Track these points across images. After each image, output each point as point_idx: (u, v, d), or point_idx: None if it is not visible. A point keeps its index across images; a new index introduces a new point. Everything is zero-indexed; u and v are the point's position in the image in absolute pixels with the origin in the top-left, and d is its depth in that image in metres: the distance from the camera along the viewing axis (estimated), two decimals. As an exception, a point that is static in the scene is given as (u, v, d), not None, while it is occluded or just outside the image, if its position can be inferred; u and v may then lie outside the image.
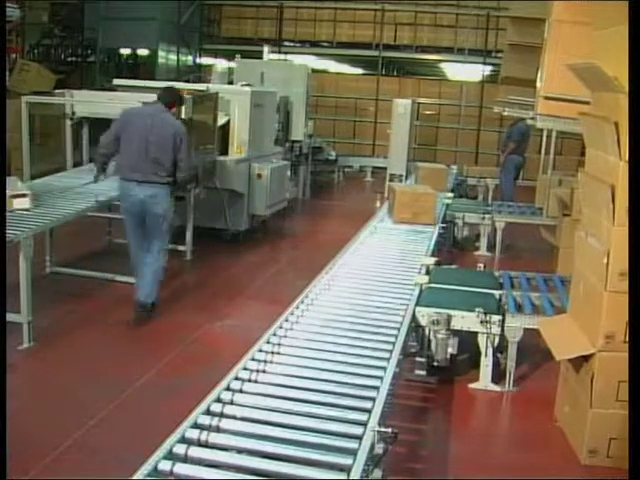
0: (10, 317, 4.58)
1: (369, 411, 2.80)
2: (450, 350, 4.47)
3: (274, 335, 3.64)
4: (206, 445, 2.56)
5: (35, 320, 4.92)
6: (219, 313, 5.95)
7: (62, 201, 5.87)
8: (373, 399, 2.92)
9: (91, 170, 7.10)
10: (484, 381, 4.63)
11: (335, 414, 2.81)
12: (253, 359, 3.31)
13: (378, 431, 2.58)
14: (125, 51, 18.57)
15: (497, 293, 4.95)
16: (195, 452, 2.49)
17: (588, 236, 3.95)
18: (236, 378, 3.09)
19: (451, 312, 4.47)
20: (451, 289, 4.94)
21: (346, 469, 2.41)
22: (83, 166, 7.40)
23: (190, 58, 19.47)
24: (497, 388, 4.64)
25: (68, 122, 7.19)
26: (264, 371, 3.19)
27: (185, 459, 2.46)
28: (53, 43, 17.14)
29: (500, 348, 4.65)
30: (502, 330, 4.51)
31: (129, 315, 5.46)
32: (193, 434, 2.59)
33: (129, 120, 5.50)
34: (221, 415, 2.75)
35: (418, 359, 4.64)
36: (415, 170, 10.74)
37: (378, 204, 11.63)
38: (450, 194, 9.39)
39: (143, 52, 18.36)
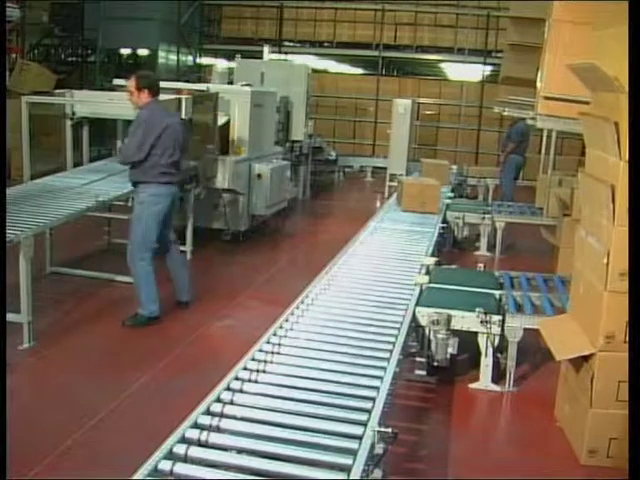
0: (10, 317, 4.58)
1: (369, 411, 2.80)
2: (450, 350, 4.46)
3: (274, 335, 3.64)
4: (206, 445, 2.56)
5: (35, 320, 4.92)
6: (219, 313, 5.94)
7: (62, 201, 5.87)
8: (373, 399, 2.92)
9: (91, 170, 7.13)
10: (484, 381, 4.63)
11: (335, 414, 2.80)
12: (253, 359, 3.31)
13: (378, 431, 2.58)
14: (125, 51, 18.55)
15: (497, 293, 4.96)
16: (195, 452, 2.49)
17: (588, 236, 3.95)
18: (236, 378, 3.09)
19: (451, 312, 4.47)
20: (451, 289, 4.95)
21: (346, 469, 2.41)
22: (83, 166, 7.40)
23: (190, 58, 19.46)
24: (497, 388, 4.64)
25: (68, 122, 7.18)
26: (264, 371, 3.19)
27: (185, 459, 2.46)
28: (53, 43, 17.14)
29: (500, 348, 4.65)
30: (502, 330, 4.51)
31: (129, 315, 5.47)
32: (193, 434, 2.59)
33: (160, 126, 5.36)
34: (221, 415, 2.75)
35: (418, 359, 4.64)
36: (420, 165, 11.26)
37: (378, 204, 11.63)
38: (451, 194, 9.44)
39: (143, 52, 18.34)
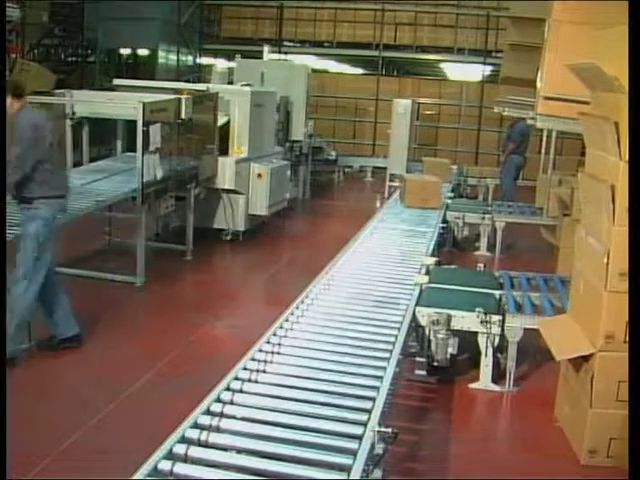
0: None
1: (369, 411, 2.81)
2: (450, 350, 4.47)
3: (274, 335, 3.64)
4: (206, 445, 2.56)
5: (35, 320, 4.91)
6: (219, 313, 5.94)
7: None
8: (373, 399, 2.92)
9: (90, 171, 7.13)
10: (484, 381, 4.63)
11: (335, 414, 2.81)
12: (253, 359, 3.31)
13: (378, 431, 2.58)
14: (125, 51, 18.55)
15: (497, 293, 4.95)
16: (195, 452, 2.49)
17: (588, 236, 3.95)
18: (236, 378, 3.09)
19: (451, 312, 4.47)
20: (451, 289, 4.94)
21: (346, 469, 2.41)
22: (83, 166, 7.40)
23: (190, 58, 19.46)
24: (497, 388, 4.64)
25: (68, 122, 7.18)
26: (264, 371, 3.20)
27: (185, 459, 2.46)
28: (53, 43, 17.13)
29: (500, 348, 4.65)
30: (502, 330, 4.51)
31: (129, 315, 5.47)
32: (193, 434, 2.59)
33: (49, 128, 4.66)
34: (221, 415, 2.75)
35: (418, 359, 4.64)
36: (421, 165, 11.67)
37: (378, 204, 11.63)
38: (451, 193, 9.45)
39: (143, 52, 18.34)
